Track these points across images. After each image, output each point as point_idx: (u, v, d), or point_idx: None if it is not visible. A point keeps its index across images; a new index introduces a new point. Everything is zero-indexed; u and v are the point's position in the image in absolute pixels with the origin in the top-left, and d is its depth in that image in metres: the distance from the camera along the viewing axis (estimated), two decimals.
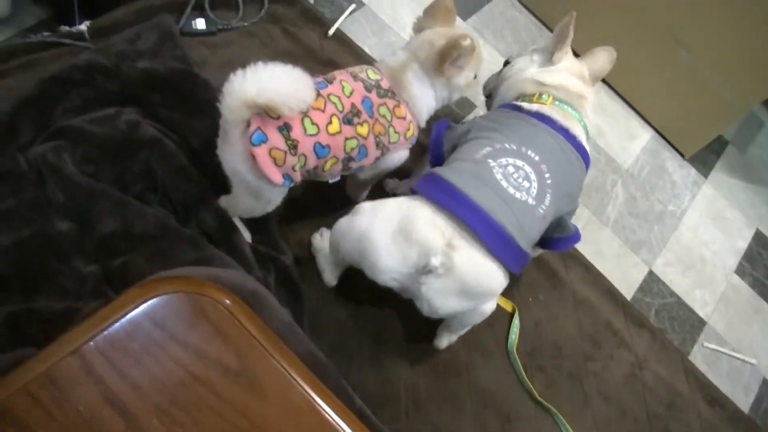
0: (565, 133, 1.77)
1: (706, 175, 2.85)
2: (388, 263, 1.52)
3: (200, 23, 2.16)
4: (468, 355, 1.97)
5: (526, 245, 1.59)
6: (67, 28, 2.01)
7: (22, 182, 1.67)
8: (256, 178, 1.50)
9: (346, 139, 1.57)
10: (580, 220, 2.42)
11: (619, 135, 2.75)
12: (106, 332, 1.01)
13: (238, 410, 1.01)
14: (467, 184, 1.53)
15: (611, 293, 2.29)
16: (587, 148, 1.84)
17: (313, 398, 1.05)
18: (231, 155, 1.50)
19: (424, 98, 1.76)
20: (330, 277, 1.88)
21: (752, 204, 2.85)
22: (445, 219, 1.50)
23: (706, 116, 2.70)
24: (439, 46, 1.68)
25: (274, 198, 1.65)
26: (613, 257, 2.42)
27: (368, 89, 1.64)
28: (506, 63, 2.05)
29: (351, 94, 1.59)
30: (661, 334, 2.29)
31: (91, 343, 1.00)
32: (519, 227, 1.55)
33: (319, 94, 1.53)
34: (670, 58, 2.60)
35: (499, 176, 1.58)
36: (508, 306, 2.08)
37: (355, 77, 1.65)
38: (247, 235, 1.82)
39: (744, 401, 2.32)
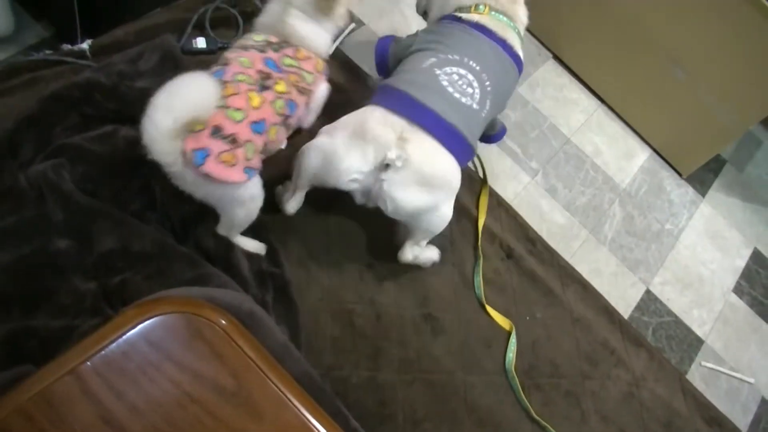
0: (503, 43, 1.95)
1: (703, 194, 2.85)
2: (350, 163, 1.68)
3: (201, 42, 2.17)
4: (465, 374, 1.97)
5: (472, 142, 1.83)
6: (69, 46, 2.03)
7: (23, 200, 1.68)
8: (224, 188, 1.51)
9: (271, 103, 1.57)
10: (577, 238, 2.43)
11: (617, 154, 2.76)
12: (102, 352, 1.02)
13: (234, 431, 1.02)
14: (417, 91, 1.73)
15: (608, 312, 2.29)
16: (521, 54, 2.04)
17: (308, 420, 1.06)
18: (192, 185, 1.51)
19: (315, 36, 1.77)
20: (292, 205, 1.92)
21: (750, 223, 2.86)
22: (397, 117, 1.70)
23: (704, 136, 2.71)
24: None
25: (253, 192, 1.63)
26: (610, 276, 2.42)
27: (263, 50, 1.64)
28: None
29: (252, 63, 1.59)
30: (658, 353, 2.29)
31: (88, 363, 1.00)
32: (467, 127, 1.78)
33: (225, 82, 1.52)
34: (667, 78, 2.62)
35: (445, 83, 1.77)
36: (505, 324, 2.08)
37: (245, 48, 1.65)
38: (260, 247, 1.85)
39: (742, 421, 2.32)
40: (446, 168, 1.75)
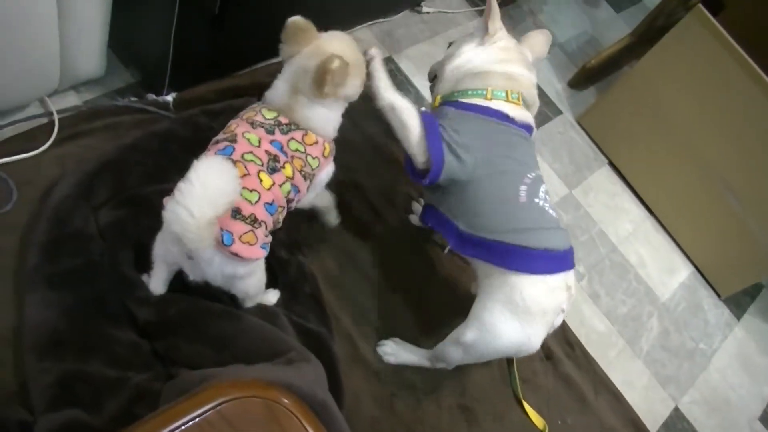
0: (528, 128, 1.82)
1: (739, 317, 2.88)
2: (538, 340, 1.71)
3: None
4: None
5: None
6: (154, 96, 2.10)
7: (90, 243, 1.71)
8: (246, 265, 1.52)
9: (280, 186, 1.54)
10: (614, 347, 2.47)
11: (660, 268, 2.80)
12: (181, 428, 1.05)
13: None
14: (549, 239, 1.66)
15: (637, 426, 2.31)
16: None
17: None
18: (217, 269, 1.49)
19: (323, 120, 1.69)
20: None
21: None
22: (559, 277, 1.67)
23: (748, 262, 2.75)
24: (313, 70, 1.61)
25: (263, 263, 1.64)
26: (641, 389, 2.45)
27: (271, 131, 1.58)
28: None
29: (259, 143, 1.54)
30: None
31: None
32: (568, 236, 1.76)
33: (235, 162, 1.47)
34: (719, 201, 2.67)
35: (550, 211, 1.71)
36: (539, 423, 2.11)
37: (253, 124, 1.58)
38: (276, 293, 1.87)
39: None
40: None
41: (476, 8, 3.07)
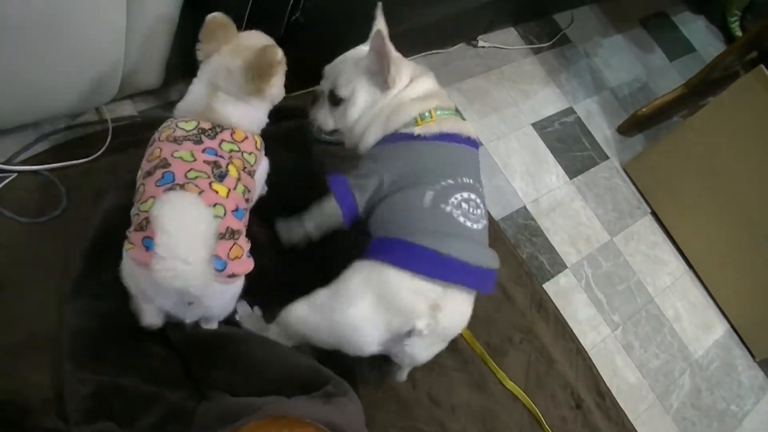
0: (468, 141, 1.74)
1: None
2: (373, 338, 1.53)
3: None
4: None
5: (493, 263, 1.64)
6: None
7: None
8: (240, 280, 1.46)
9: (234, 189, 1.46)
10: (644, 401, 2.43)
11: (696, 323, 2.76)
12: None
13: None
14: (439, 242, 1.52)
15: None
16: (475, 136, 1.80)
17: None
18: (220, 299, 1.47)
19: (247, 118, 1.61)
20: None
21: None
22: (429, 284, 1.49)
23: None
24: (239, 67, 1.55)
25: None
26: None
27: (198, 141, 1.48)
28: (328, 95, 1.87)
29: (193, 156, 1.45)
30: None
31: None
32: (488, 253, 1.63)
33: (183, 185, 1.39)
34: (762, 263, 2.63)
35: (460, 218, 1.57)
36: None
37: (177, 140, 1.48)
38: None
39: None
40: (467, 317, 1.64)
41: (531, 45, 3.07)
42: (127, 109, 2.05)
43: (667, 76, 3.49)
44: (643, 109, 3.06)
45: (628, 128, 3.10)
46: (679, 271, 2.87)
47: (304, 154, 2.15)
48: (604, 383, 2.34)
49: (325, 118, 1.88)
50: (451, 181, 1.61)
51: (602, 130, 3.07)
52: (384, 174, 1.66)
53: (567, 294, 2.49)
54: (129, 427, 1.49)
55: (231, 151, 1.51)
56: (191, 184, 1.39)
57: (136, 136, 1.95)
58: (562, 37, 3.21)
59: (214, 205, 1.38)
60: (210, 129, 1.52)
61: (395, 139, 1.72)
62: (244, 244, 1.44)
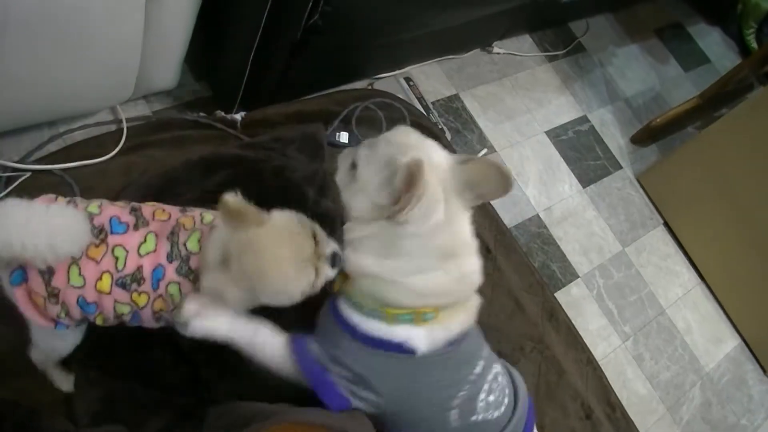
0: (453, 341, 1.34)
1: None
2: None
3: (344, 137, 2.22)
4: None
5: None
6: (222, 113, 2.09)
7: None
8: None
9: (116, 302, 1.24)
10: (654, 413, 2.42)
11: (707, 336, 2.75)
12: None
13: None
14: None
15: None
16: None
17: None
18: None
19: None
20: None
21: None
22: None
23: None
24: None
25: (66, 337, 1.37)
26: None
27: (171, 258, 1.25)
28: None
29: (147, 254, 1.23)
30: None
31: None
32: None
33: (103, 241, 1.21)
34: None
35: (494, 414, 1.36)
36: None
37: (171, 234, 1.27)
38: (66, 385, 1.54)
39: None
40: None
41: (546, 53, 3.06)
42: (142, 109, 2.05)
43: (681, 87, 3.48)
44: (657, 120, 3.05)
45: (641, 138, 3.09)
46: (691, 284, 2.85)
47: (319, 158, 2.13)
48: (615, 394, 2.32)
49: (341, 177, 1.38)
50: (469, 383, 1.33)
51: (616, 140, 3.06)
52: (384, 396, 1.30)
53: (578, 304, 2.48)
54: (138, 431, 1.48)
55: (170, 295, 1.26)
56: (106, 247, 1.21)
57: (150, 136, 1.96)
58: (576, 45, 3.21)
59: (81, 275, 1.20)
60: (189, 269, 1.27)
61: (388, 347, 1.28)
62: (53, 312, 1.23)
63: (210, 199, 1.84)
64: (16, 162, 1.74)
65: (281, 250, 1.19)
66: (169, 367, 1.61)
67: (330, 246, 1.26)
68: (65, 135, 1.87)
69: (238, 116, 2.10)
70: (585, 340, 2.34)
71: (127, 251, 1.22)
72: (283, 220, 1.24)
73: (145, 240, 1.24)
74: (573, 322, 2.34)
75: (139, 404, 1.53)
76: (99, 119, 1.94)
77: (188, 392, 1.60)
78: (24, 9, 1.35)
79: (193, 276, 1.24)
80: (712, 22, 3.96)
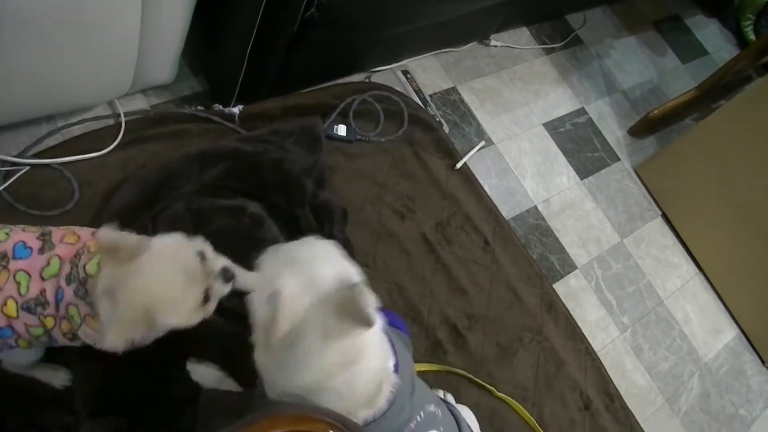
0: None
1: None
2: None
3: (341, 130, 2.23)
4: None
5: None
6: (220, 107, 2.10)
7: None
8: None
9: (27, 325, 1.23)
10: (653, 404, 2.42)
11: (706, 327, 2.75)
12: None
13: None
14: None
15: None
16: None
17: None
18: None
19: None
20: None
21: None
22: None
23: None
24: None
25: (20, 353, 1.35)
26: None
27: (69, 281, 1.22)
28: None
29: (50, 278, 1.22)
30: None
31: None
32: None
33: (5, 267, 1.20)
34: None
35: None
36: None
37: (75, 257, 1.24)
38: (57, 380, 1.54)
39: None
40: None
41: (544, 46, 3.06)
42: (139, 103, 2.05)
43: (679, 78, 3.48)
44: (655, 111, 3.05)
45: (639, 130, 3.09)
46: (690, 275, 2.85)
47: (317, 150, 2.14)
48: (613, 385, 2.33)
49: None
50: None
51: (614, 132, 3.06)
52: None
53: (577, 295, 2.49)
54: (138, 423, 1.50)
55: (72, 317, 1.25)
56: (8, 274, 1.21)
57: (148, 130, 1.96)
58: (574, 37, 3.21)
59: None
60: (84, 291, 1.24)
61: None
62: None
63: (208, 193, 1.87)
64: (15, 156, 1.74)
65: (162, 270, 1.18)
66: (168, 358, 1.61)
67: (219, 262, 1.25)
68: (63, 129, 1.87)
69: (236, 110, 2.10)
70: (584, 331, 2.34)
71: (30, 276, 1.21)
72: (163, 243, 1.22)
73: (48, 264, 1.23)
74: (572, 313, 2.34)
75: (140, 396, 1.54)
76: (97, 113, 1.94)
77: (186, 383, 1.60)
78: (22, 3, 1.36)
79: (88, 299, 1.22)
80: (710, 13, 3.96)
